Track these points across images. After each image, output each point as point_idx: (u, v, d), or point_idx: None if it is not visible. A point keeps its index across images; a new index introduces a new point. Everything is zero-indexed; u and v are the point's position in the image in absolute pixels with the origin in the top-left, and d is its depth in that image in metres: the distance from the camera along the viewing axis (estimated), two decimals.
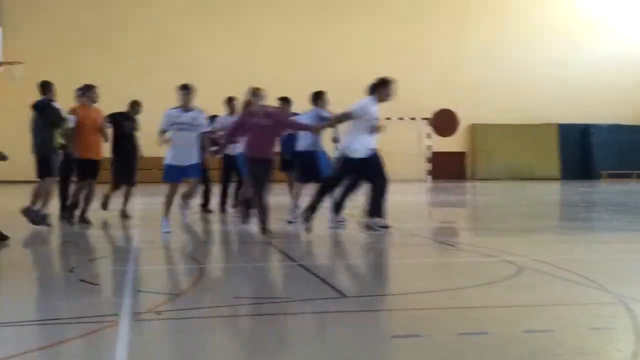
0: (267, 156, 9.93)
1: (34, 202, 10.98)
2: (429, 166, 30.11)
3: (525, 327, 5.23)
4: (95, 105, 12.14)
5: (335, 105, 12.20)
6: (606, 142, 31.68)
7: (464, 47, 30.70)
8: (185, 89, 10.70)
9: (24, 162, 26.43)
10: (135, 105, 13.32)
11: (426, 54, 30.33)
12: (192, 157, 10.66)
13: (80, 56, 27.75)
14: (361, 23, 30.59)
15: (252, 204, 10.66)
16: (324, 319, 5.60)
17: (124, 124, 12.88)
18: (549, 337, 4.91)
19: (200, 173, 10.99)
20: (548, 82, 31.24)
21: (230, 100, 13.66)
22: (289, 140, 12.90)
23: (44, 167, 10.97)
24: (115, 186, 13.22)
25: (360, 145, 10.25)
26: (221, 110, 13.90)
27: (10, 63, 24.84)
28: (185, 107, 10.65)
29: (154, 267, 8.38)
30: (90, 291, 6.72)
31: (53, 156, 11.06)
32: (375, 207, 10.20)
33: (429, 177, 29.99)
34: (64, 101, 11.65)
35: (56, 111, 11.17)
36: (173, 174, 10.67)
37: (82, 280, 7.11)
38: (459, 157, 31.65)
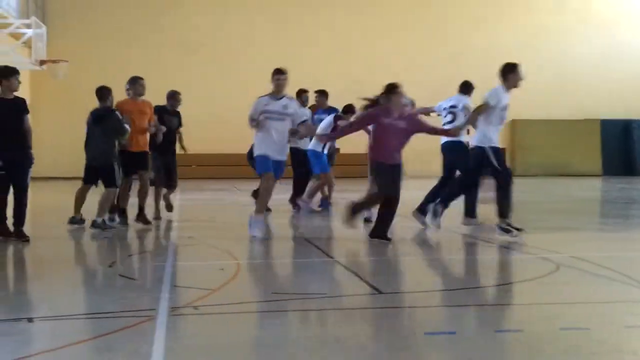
0: (399, 161, 9.28)
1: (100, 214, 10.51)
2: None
3: (561, 324, 5.19)
4: (144, 97, 11.35)
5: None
6: None
7: (503, 40, 30.40)
8: (281, 73, 9.59)
9: (50, 159, 27.07)
10: (174, 96, 12.34)
11: (464, 47, 30.11)
12: (282, 152, 9.63)
13: (122, 54, 28.02)
14: (390, 15, 30.43)
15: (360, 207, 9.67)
16: (360, 315, 5.62)
17: (165, 117, 11.90)
18: (586, 335, 4.87)
19: (282, 172, 9.95)
20: (590, 78, 30.81)
21: (301, 93, 13.17)
22: None
23: (111, 177, 10.57)
24: (156, 186, 12.08)
25: (494, 135, 9.58)
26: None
27: (54, 61, 25.16)
28: (277, 94, 9.53)
29: (192, 262, 8.47)
30: (129, 286, 6.83)
31: (115, 165, 10.65)
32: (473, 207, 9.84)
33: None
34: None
35: (119, 122, 10.67)
36: (267, 165, 9.49)
37: (121, 275, 7.23)
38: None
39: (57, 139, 27.61)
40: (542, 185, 24.01)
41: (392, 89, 9.10)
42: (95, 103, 10.94)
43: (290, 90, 10.31)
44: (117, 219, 11.03)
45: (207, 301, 5.84)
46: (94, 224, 10.39)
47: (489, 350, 4.59)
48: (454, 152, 10.89)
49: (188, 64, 28.55)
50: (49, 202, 17.36)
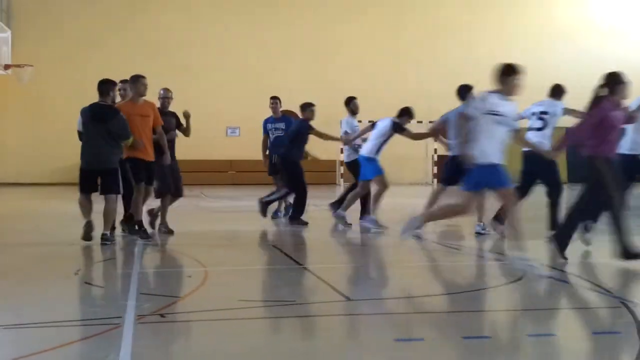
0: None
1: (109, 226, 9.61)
2: (434, 169, 30.07)
3: (528, 331, 5.24)
4: (145, 98, 10.19)
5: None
6: None
7: (473, 50, 30.63)
8: (514, 72, 7.89)
9: (16, 165, 26.80)
10: (164, 95, 10.99)
11: (435, 56, 30.32)
12: (501, 156, 7.91)
13: (88, 58, 27.72)
14: (368, 22, 30.53)
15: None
16: (328, 322, 5.61)
17: (163, 119, 10.43)
18: (552, 342, 4.91)
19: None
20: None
21: (350, 100, 12.44)
22: (278, 143, 12.79)
23: (114, 182, 9.51)
24: (160, 195, 10.75)
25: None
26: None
27: (19, 66, 24.90)
28: (510, 95, 7.90)
29: (159, 270, 8.40)
30: (95, 294, 6.76)
31: (118, 170, 9.62)
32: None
33: (435, 180, 29.95)
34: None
35: (124, 124, 9.53)
36: (482, 178, 7.81)
37: (87, 283, 7.15)
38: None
39: (23, 144, 27.32)
40: None
41: (619, 80, 8.14)
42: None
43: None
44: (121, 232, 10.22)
45: (174, 309, 5.79)
46: (104, 238, 9.44)
47: (457, 356, 4.60)
48: (537, 163, 9.93)
49: (160, 69, 28.25)
50: (14, 209, 17.14)
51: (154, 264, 8.76)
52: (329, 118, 12.24)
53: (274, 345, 4.88)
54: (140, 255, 9.05)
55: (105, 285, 7.26)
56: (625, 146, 9.00)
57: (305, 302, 6.32)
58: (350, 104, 12.43)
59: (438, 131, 11.59)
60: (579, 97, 10.44)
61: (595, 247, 8.96)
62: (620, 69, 8.30)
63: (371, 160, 11.32)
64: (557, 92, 10.60)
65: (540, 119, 10.35)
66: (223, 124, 29.22)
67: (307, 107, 12.32)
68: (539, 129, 10.29)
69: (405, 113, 11.42)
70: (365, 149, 11.41)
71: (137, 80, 10.10)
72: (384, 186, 11.30)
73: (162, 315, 5.52)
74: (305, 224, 11.66)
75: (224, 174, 28.73)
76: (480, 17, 31.44)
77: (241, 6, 29.82)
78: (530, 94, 10.56)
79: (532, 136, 10.13)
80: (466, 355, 4.64)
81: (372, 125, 11.69)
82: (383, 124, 11.36)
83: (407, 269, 8.50)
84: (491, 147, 7.79)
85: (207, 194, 21.61)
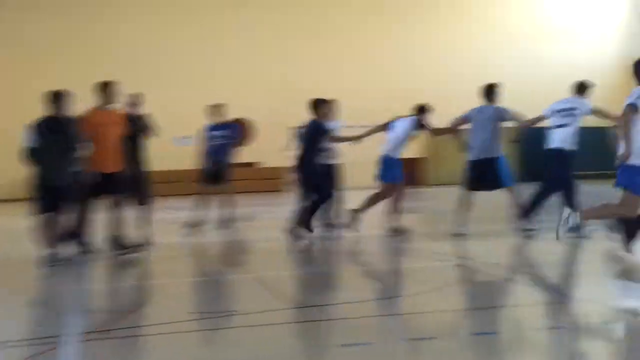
0: None
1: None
2: None
3: (475, 329, 5.29)
4: (115, 105, 9.66)
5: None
6: None
7: (434, 49, 30.86)
8: None
9: None
10: (131, 99, 10.54)
11: (396, 55, 30.49)
12: None
13: (50, 67, 27.23)
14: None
15: None
16: (273, 330, 5.58)
17: (133, 124, 10.05)
18: (498, 339, 4.96)
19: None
20: (507, 85, 31.48)
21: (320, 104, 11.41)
22: (218, 150, 12.56)
23: (73, 198, 9.12)
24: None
25: None
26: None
27: None
28: None
29: (107, 284, 8.28)
30: (37, 311, 6.64)
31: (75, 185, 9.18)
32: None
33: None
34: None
35: (75, 135, 9.11)
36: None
37: (30, 300, 7.02)
38: (415, 162, 31.78)
39: None
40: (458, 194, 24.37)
41: None
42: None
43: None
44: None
45: (120, 324, 5.71)
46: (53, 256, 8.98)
47: (404, 359, 4.62)
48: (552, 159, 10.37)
49: (127, 77, 27.75)
50: None
51: (101, 279, 8.61)
52: None
53: (219, 357, 4.84)
54: (87, 269, 8.89)
55: (49, 302, 7.13)
56: None
57: (250, 311, 6.28)
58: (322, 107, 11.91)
59: (457, 129, 11.35)
60: (528, 98, 10.57)
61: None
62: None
63: (397, 163, 11.13)
64: (582, 88, 10.33)
65: (569, 115, 10.15)
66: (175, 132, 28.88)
67: (319, 104, 10.95)
68: (562, 126, 10.12)
69: (424, 109, 11.30)
70: (389, 149, 11.06)
71: (106, 87, 9.52)
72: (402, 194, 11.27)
73: (107, 332, 5.44)
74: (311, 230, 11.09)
75: (187, 184, 28.31)
76: (442, 18, 31.71)
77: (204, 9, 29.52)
78: (532, 93, 10.63)
79: (557, 134, 10.09)
80: (413, 356, 4.66)
81: (386, 125, 11.34)
82: (404, 124, 11.14)
83: (355, 273, 8.51)
84: None
85: (169, 206, 21.39)
